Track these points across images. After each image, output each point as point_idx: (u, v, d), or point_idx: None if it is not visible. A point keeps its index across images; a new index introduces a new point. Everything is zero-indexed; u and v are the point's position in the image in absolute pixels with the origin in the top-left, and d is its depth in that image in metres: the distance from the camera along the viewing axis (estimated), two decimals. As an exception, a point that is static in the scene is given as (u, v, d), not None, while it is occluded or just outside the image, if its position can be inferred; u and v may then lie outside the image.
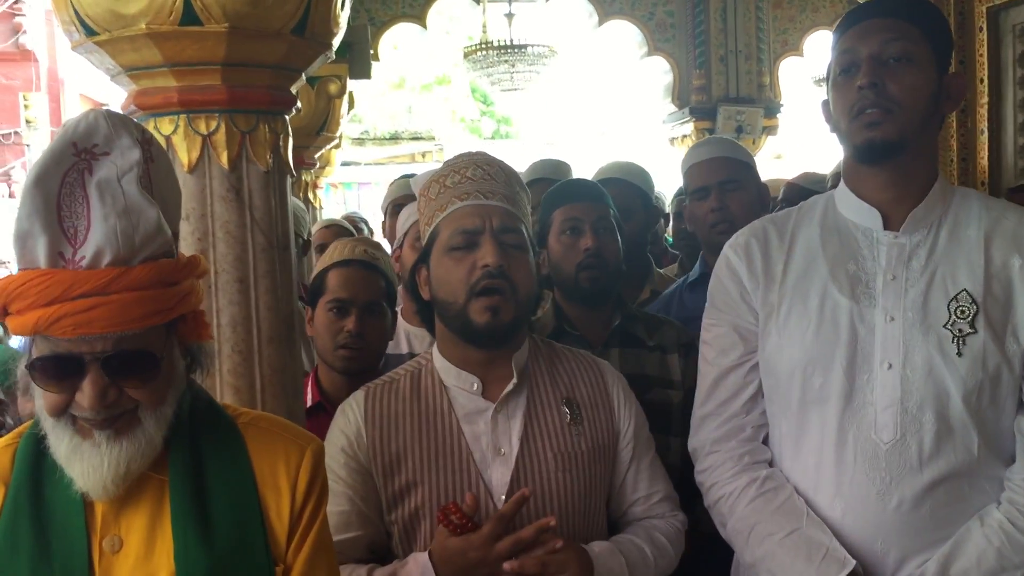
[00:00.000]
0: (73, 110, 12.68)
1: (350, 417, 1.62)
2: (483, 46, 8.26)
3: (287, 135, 1.77)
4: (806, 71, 8.67)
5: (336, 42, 1.81)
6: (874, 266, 1.54)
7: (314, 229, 4.20)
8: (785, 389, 1.57)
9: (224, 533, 1.17)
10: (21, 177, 11.94)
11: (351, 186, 15.85)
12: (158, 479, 1.18)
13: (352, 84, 5.41)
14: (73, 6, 1.60)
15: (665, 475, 1.75)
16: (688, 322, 2.17)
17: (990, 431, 1.47)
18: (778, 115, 7.10)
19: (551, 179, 3.00)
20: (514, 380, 1.61)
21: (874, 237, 1.56)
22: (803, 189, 3.25)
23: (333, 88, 5.00)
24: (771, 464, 1.63)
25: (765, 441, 1.65)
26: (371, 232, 4.63)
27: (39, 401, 1.13)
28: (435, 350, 1.67)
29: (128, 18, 1.56)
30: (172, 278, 1.13)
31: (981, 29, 3.72)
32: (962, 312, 1.47)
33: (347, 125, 5.92)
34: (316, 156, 5.58)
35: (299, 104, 1.83)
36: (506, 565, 1.43)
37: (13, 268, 1.27)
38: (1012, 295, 1.48)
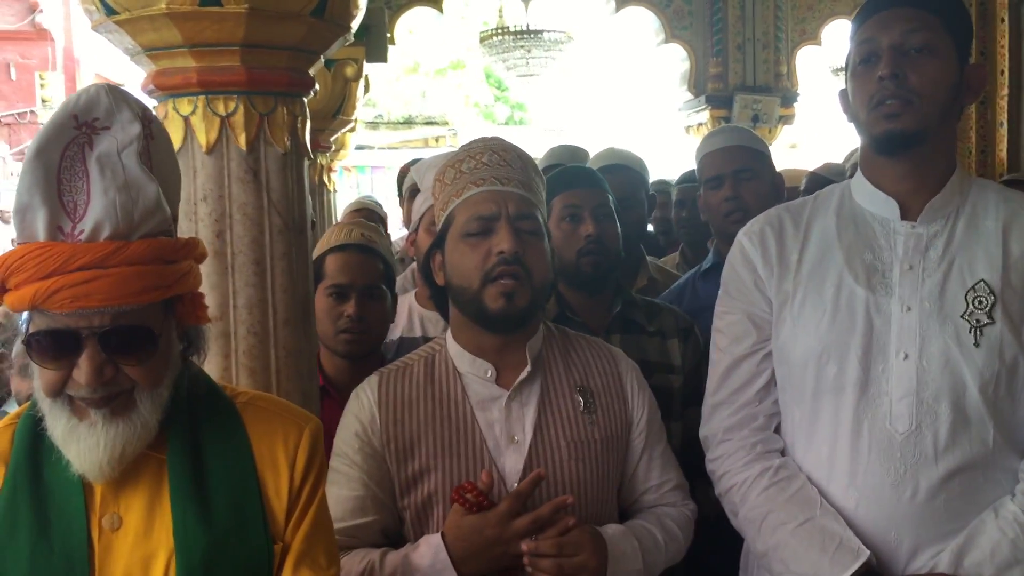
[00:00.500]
0: (89, 90, 12.69)
1: (364, 402, 1.61)
2: (499, 31, 8.23)
3: (305, 117, 1.77)
4: (824, 60, 8.61)
5: (355, 24, 1.81)
6: (891, 256, 1.54)
7: (344, 212, 4.23)
8: (799, 378, 1.57)
9: (223, 511, 1.18)
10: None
11: (364, 170, 15.85)
12: (157, 458, 1.18)
13: (367, 68, 5.41)
14: (94, -15, 1.61)
15: (676, 464, 1.75)
16: (701, 311, 2.17)
17: (1006, 422, 1.46)
18: (795, 104, 7.05)
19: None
20: (528, 368, 1.61)
21: (891, 227, 1.55)
22: (825, 180, 3.23)
23: (350, 71, 5.00)
24: (783, 453, 1.62)
25: (777, 430, 1.64)
26: (385, 216, 4.66)
27: (36, 381, 1.13)
28: (449, 336, 1.67)
29: (148, -2, 1.57)
30: (170, 256, 1.13)
31: (1003, 20, 3.68)
32: (980, 302, 1.46)
33: (362, 109, 5.91)
34: (331, 139, 5.59)
35: (317, 87, 1.83)
36: (523, 545, 1.44)
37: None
38: None
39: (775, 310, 1.61)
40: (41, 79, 12.69)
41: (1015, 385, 1.46)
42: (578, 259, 2.09)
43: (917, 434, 1.46)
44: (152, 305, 1.11)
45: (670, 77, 7.35)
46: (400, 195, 3.83)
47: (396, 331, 2.52)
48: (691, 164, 2.91)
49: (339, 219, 4.89)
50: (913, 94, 1.45)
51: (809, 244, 1.61)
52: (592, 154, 3.35)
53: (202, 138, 1.65)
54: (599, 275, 2.11)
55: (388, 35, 5.55)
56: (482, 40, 8.50)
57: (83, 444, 1.11)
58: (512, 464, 1.57)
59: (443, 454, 1.56)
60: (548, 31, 8.25)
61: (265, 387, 1.68)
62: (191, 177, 1.66)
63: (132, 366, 1.11)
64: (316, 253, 2.24)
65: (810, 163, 4.22)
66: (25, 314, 1.10)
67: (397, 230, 6.67)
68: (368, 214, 4.08)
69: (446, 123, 16.12)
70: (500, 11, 8.18)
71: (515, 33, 8.19)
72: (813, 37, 7.12)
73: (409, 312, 2.54)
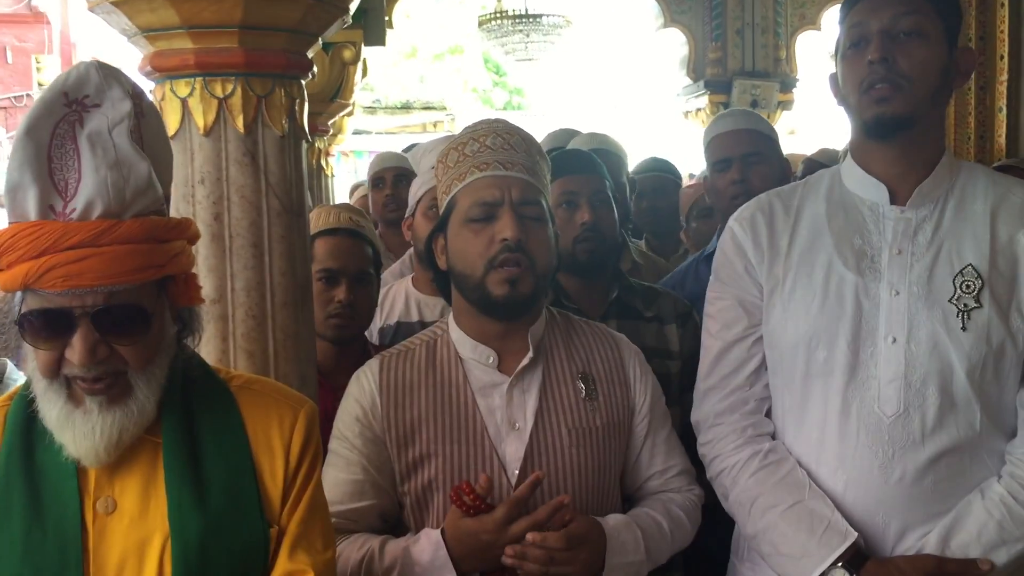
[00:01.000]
0: (86, 73, 12.62)
1: (364, 386, 1.61)
2: (498, 15, 8.21)
3: (303, 100, 1.77)
4: (823, 46, 8.57)
5: (353, 6, 1.80)
6: (880, 240, 1.55)
7: (354, 195, 4.23)
8: (789, 362, 1.58)
9: (218, 494, 1.17)
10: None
11: (362, 154, 15.78)
12: (152, 441, 1.18)
13: (365, 52, 5.39)
14: (91, -33, 1.60)
15: (682, 449, 1.74)
16: (703, 296, 2.18)
17: (993, 405, 1.48)
18: (793, 90, 7.05)
19: (569, 150, 2.99)
20: (530, 354, 1.60)
21: (880, 211, 1.56)
22: (821, 165, 3.23)
23: (348, 54, 4.99)
24: (774, 437, 1.64)
25: (768, 414, 1.66)
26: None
27: (31, 363, 1.12)
28: (451, 321, 1.66)
29: (146, -21, 1.56)
30: (163, 235, 1.12)
31: (1003, 5, 3.68)
32: (967, 287, 1.47)
33: (359, 93, 5.90)
34: (329, 123, 5.58)
35: (315, 69, 1.83)
36: (529, 537, 1.42)
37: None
38: (1017, 270, 1.48)
39: (765, 295, 1.62)
40: (37, 62, 12.62)
41: (1002, 369, 1.47)
42: (574, 246, 2.08)
43: (905, 417, 1.47)
44: (145, 285, 1.10)
45: (669, 62, 7.33)
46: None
47: (394, 316, 2.53)
48: (689, 149, 2.91)
49: (352, 199, 4.86)
50: (903, 78, 1.46)
51: (799, 229, 1.62)
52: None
53: (199, 120, 1.65)
54: (595, 262, 2.10)
55: (386, 18, 5.52)
56: (480, 24, 8.48)
57: (78, 430, 1.10)
58: (513, 451, 1.56)
59: (444, 440, 1.56)
60: (547, 15, 8.22)
61: (263, 370, 1.68)
62: (189, 159, 1.66)
63: (125, 346, 1.10)
64: None
65: (809, 149, 4.22)
66: (18, 294, 1.09)
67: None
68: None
69: (444, 108, 16.07)
70: (499, -5, 8.17)
71: (514, 17, 8.16)
72: (812, 22, 7.10)
73: (407, 297, 2.54)
